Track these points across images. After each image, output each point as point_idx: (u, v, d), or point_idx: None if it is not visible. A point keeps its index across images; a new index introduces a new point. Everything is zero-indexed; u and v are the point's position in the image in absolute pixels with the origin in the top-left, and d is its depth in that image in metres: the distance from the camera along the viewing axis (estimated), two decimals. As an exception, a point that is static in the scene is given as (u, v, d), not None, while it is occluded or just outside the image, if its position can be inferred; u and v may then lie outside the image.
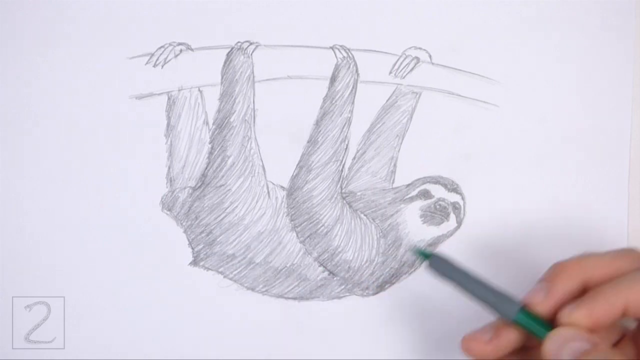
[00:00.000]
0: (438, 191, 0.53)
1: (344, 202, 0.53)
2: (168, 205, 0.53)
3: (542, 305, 0.44)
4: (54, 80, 0.52)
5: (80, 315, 0.53)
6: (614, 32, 0.54)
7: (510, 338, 0.44)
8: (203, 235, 0.53)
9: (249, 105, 0.52)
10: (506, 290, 0.44)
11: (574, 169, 0.54)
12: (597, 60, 0.54)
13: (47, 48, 0.52)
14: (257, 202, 0.53)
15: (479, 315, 0.52)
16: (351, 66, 0.53)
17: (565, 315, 0.43)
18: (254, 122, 0.53)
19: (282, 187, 0.53)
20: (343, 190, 0.53)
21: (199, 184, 0.53)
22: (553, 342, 0.43)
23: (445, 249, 0.53)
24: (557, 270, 0.45)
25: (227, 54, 0.52)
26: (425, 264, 0.46)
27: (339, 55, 0.53)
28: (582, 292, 0.44)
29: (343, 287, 0.53)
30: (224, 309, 0.53)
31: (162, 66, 0.52)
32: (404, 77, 0.53)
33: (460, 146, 0.53)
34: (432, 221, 0.53)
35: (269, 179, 0.53)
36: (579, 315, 0.42)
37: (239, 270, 0.53)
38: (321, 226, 0.53)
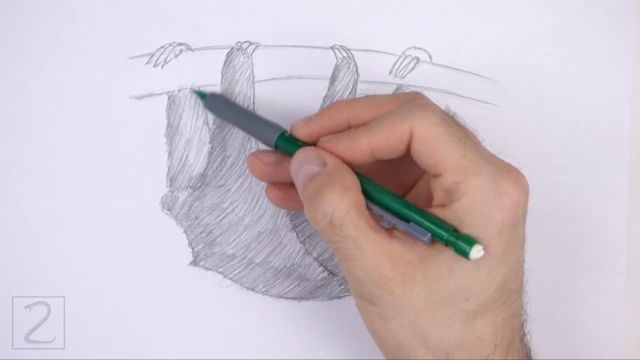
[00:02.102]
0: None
1: (344, 202, 0.53)
2: (168, 205, 0.53)
3: (301, 131, 0.46)
4: (54, 80, 0.52)
5: (80, 315, 0.53)
6: (614, 32, 0.54)
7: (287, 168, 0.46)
8: (203, 235, 0.53)
9: (249, 105, 0.52)
10: (275, 121, 0.48)
11: (574, 169, 0.54)
12: (597, 59, 0.54)
13: (47, 48, 0.52)
14: (257, 202, 0.53)
15: (479, 315, 0.52)
16: (351, 66, 0.53)
17: (319, 145, 0.45)
18: (254, 122, 0.53)
19: (282, 187, 0.53)
20: (343, 190, 0.53)
21: (199, 184, 0.53)
22: (294, 162, 0.45)
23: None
24: (327, 106, 0.48)
25: (227, 54, 0.52)
26: (202, 103, 0.51)
27: (339, 55, 0.53)
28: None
29: (343, 287, 0.53)
30: (224, 309, 0.53)
31: (162, 66, 0.52)
32: (404, 77, 0.53)
33: (460, 146, 0.53)
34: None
35: (269, 179, 0.53)
36: (326, 146, 0.44)
37: (239, 270, 0.53)
38: (321, 226, 0.53)
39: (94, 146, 0.52)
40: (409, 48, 0.53)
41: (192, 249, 0.53)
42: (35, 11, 0.52)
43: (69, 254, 0.52)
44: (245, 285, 0.53)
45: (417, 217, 0.42)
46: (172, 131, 0.53)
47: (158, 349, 0.53)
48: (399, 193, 0.47)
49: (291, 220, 0.53)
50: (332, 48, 0.53)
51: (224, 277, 0.53)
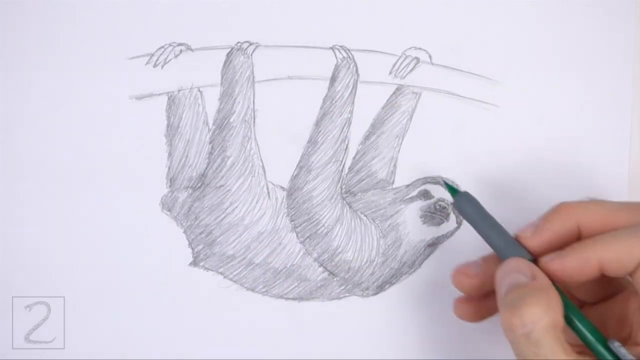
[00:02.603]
0: (438, 191, 0.53)
1: (344, 202, 0.53)
2: (168, 205, 0.53)
3: (530, 240, 0.44)
4: (54, 80, 0.52)
5: (80, 315, 0.53)
6: (614, 32, 0.54)
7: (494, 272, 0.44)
8: (203, 235, 0.53)
9: (248, 106, 0.52)
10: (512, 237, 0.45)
11: (574, 169, 0.54)
12: (597, 60, 0.54)
13: (47, 48, 0.52)
14: (257, 202, 0.53)
15: (479, 316, 0.52)
16: (351, 66, 0.53)
17: (542, 263, 0.43)
18: (254, 122, 0.53)
19: (282, 187, 0.53)
20: (343, 191, 0.53)
21: (199, 185, 0.53)
22: (500, 270, 0.43)
23: (445, 249, 0.53)
24: (553, 209, 0.45)
25: (227, 54, 0.52)
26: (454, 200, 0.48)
27: (339, 56, 0.53)
28: (579, 235, 0.44)
29: (343, 287, 0.53)
30: (224, 309, 0.53)
31: (162, 66, 0.52)
32: (404, 78, 0.53)
33: (460, 146, 0.53)
34: (432, 221, 0.53)
35: (269, 179, 0.53)
36: (552, 266, 0.43)
37: (239, 270, 0.53)
38: (321, 226, 0.53)
39: (94, 146, 0.52)
40: (409, 48, 0.53)
41: (192, 249, 0.53)
42: (35, 11, 0.52)
43: (69, 254, 0.52)
44: (245, 285, 0.53)
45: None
46: (172, 131, 0.53)
47: (158, 349, 0.53)
48: (591, 300, 0.46)
49: (291, 221, 0.53)
50: (332, 48, 0.53)
51: (224, 277, 0.53)
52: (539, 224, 0.45)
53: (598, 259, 0.42)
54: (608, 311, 0.46)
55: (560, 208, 0.45)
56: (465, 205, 0.48)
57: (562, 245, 0.44)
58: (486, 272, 0.46)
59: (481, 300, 0.47)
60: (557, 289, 0.42)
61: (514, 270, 0.43)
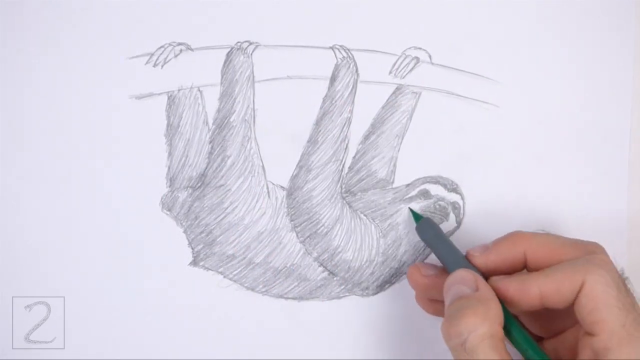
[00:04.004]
0: (437, 191, 0.53)
1: (344, 202, 0.53)
2: (168, 205, 0.53)
3: (478, 259, 0.47)
4: (54, 80, 0.52)
5: (80, 315, 0.53)
6: (614, 32, 0.54)
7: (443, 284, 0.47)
8: (203, 235, 0.53)
9: (248, 105, 0.52)
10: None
11: (574, 169, 0.54)
12: (597, 60, 0.54)
13: (47, 48, 0.52)
14: (257, 202, 0.53)
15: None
16: (351, 66, 0.53)
17: (489, 282, 0.46)
18: (254, 122, 0.53)
19: (282, 187, 0.53)
20: (343, 190, 0.53)
21: (198, 184, 0.53)
22: (447, 281, 0.46)
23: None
24: (505, 236, 0.48)
25: (227, 54, 0.52)
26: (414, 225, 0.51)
27: (339, 55, 0.53)
28: (525, 264, 0.47)
29: (343, 287, 0.53)
30: (224, 309, 0.53)
31: (162, 66, 0.52)
32: (403, 77, 0.53)
33: (460, 146, 0.53)
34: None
35: (268, 179, 0.53)
36: (497, 286, 0.45)
37: (238, 270, 0.53)
38: (321, 226, 0.53)
39: (94, 146, 0.52)
40: (409, 48, 0.53)
41: (192, 249, 0.53)
42: (35, 11, 0.52)
43: (69, 254, 0.52)
44: (245, 285, 0.53)
45: None
46: (172, 131, 0.53)
47: (158, 349, 0.53)
48: (545, 335, 0.48)
49: (291, 221, 0.53)
50: (332, 48, 0.53)
51: (224, 277, 0.53)
52: (489, 245, 0.48)
53: (539, 289, 0.44)
54: (561, 343, 0.48)
55: (511, 235, 0.48)
56: (425, 229, 0.50)
57: (507, 270, 0.47)
58: (436, 279, 0.49)
59: (436, 302, 0.50)
60: (503, 307, 0.44)
61: (459, 281, 0.45)
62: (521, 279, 0.45)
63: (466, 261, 0.48)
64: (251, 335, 0.53)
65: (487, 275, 0.46)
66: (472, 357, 0.42)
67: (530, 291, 0.44)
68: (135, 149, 0.52)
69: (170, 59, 0.52)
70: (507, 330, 0.44)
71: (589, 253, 0.45)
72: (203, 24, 0.52)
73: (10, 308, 0.53)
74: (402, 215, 0.53)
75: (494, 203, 0.53)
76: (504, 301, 0.45)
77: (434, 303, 0.50)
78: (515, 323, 0.45)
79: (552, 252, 0.46)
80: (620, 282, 0.44)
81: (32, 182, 0.52)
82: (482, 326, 0.42)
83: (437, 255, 0.49)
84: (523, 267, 0.47)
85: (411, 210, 0.52)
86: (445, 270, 0.49)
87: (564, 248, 0.46)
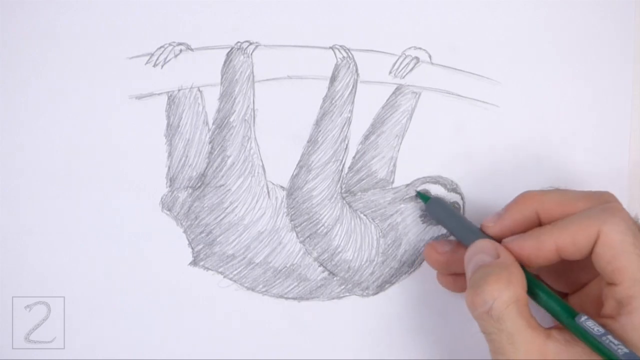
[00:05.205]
0: (438, 191, 0.53)
1: (344, 202, 0.53)
2: (168, 205, 0.53)
3: (493, 229, 0.47)
4: (54, 80, 0.52)
5: (80, 315, 0.53)
6: (614, 32, 0.54)
7: (462, 257, 0.47)
8: (203, 235, 0.53)
9: (248, 105, 0.52)
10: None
11: (574, 169, 0.54)
12: (597, 60, 0.54)
13: (47, 48, 0.52)
14: (257, 202, 0.53)
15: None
16: (351, 66, 0.53)
17: (503, 244, 0.45)
18: (254, 122, 0.53)
19: (282, 187, 0.53)
20: (343, 190, 0.53)
21: (198, 184, 0.53)
22: (467, 253, 0.46)
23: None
24: (515, 198, 0.47)
25: (227, 54, 0.52)
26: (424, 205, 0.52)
27: (339, 55, 0.53)
28: (540, 222, 0.46)
29: (343, 287, 0.53)
30: (224, 309, 0.53)
31: (162, 66, 0.52)
32: (403, 77, 0.53)
33: (460, 146, 0.53)
34: (432, 221, 0.53)
35: (268, 179, 0.53)
36: (511, 247, 0.45)
37: (238, 270, 0.53)
38: (321, 226, 0.53)
39: (94, 146, 0.52)
40: (409, 48, 0.53)
41: (192, 249, 0.53)
42: (35, 11, 0.52)
43: (69, 254, 0.52)
44: (245, 285, 0.53)
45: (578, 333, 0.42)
46: (172, 131, 0.53)
47: (158, 349, 0.53)
48: (568, 290, 0.48)
49: (291, 220, 0.53)
50: (332, 48, 0.53)
51: (224, 277, 0.53)
52: (501, 212, 0.47)
53: (555, 242, 0.44)
54: (585, 296, 0.47)
55: (521, 197, 0.47)
56: (435, 209, 0.51)
57: (523, 232, 0.46)
58: (453, 255, 0.49)
59: (457, 277, 0.50)
60: (524, 269, 0.44)
61: (479, 251, 0.45)
62: (535, 234, 0.44)
63: (481, 233, 0.47)
64: (251, 335, 0.53)
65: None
66: (498, 324, 0.41)
67: (545, 246, 0.44)
68: (135, 149, 0.52)
69: (170, 59, 0.52)
70: (531, 292, 0.44)
71: (602, 202, 0.45)
72: (203, 24, 0.52)
73: (10, 308, 0.53)
74: (402, 215, 0.53)
75: (494, 203, 0.53)
76: (520, 261, 0.44)
77: (456, 279, 0.50)
78: (537, 282, 0.44)
79: (565, 206, 0.45)
80: (636, 228, 0.43)
81: (32, 182, 0.52)
82: (507, 291, 0.42)
83: (451, 232, 0.50)
84: (538, 226, 0.46)
85: (418, 192, 0.52)
86: (460, 244, 0.49)
87: (577, 200, 0.45)
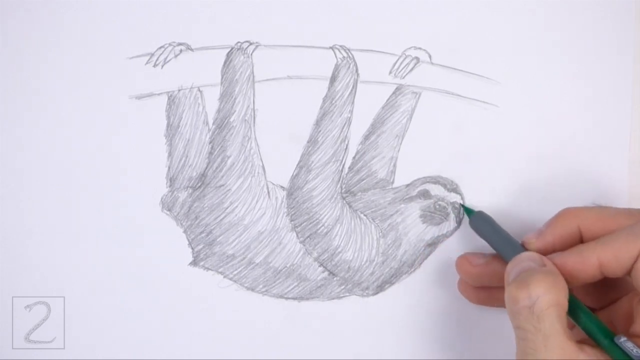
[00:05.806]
0: (437, 191, 0.53)
1: (344, 202, 0.53)
2: (168, 205, 0.53)
3: (535, 245, 0.47)
4: (54, 80, 0.52)
5: (80, 315, 0.53)
6: (614, 32, 0.54)
7: (496, 270, 0.48)
8: (203, 235, 0.53)
9: (249, 105, 0.52)
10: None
11: (574, 169, 0.54)
12: (597, 60, 0.54)
13: (47, 48, 0.52)
14: (257, 202, 0.53)
15: (479, 316, 0.53)
16: (351, 66, 0.53)
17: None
18: (254, 122, 0.53)
19: (282, 187, 0.53)
20: (343, 190, 0.53)
21: (198, 184, 0.53)
22: (512, 261, 0.46)
23: (445, 249, 0.53)
24: (557, 214, 0.48)
25: (227, 54, 0.52)
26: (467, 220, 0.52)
27: (339, 55, 0.53)
28: (581, 239, 0.47)
29: (343, 287, 0.53)
30: (224, 309, 0.53)
31: (162, 66, 0.52)
32: (403, 77, 0.53)
33: (460, 146, 0.53)
34: (432, 221, 0.53)
35: (269, 179, 0.53)
36: (555, 262, 0.45)
37: (238, 270, 0.53)
38: (321, 226, 0.53)
39: (94, 146, 0.52)
40: (409, 48, 0.53)
41: (192, 249, 0.53)
42: (35, 11, 0.52)
43: (69, 254, 0.52)
44: (245, 285, 0.53)
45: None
46: (172, 131, 0.53)
47: (158, 349, 0.53)
48: (598, 306, 0.48)
49: (291, 221, 0.53)
50: (332, 48, 0.53)
51: (224, 277, 0.53)
52: (542, 229, 0.48)
53: (598, 258, 0.44)
54: (614, 312, 0.47)
55: (562, 213, 0.48)
56: (479, 222, 0.51)
57: (565, 248, 0.46)
58: (487, 267, 0.49)
59: (477, 290, 0.50)
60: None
61: (525, 259, 0.45)
62: (578, 250, 0.45)
63: (522, 248, 0.48)
64: (251, 335, 0.53)
65: None
66: (537, 323, 0.42)
67: (588, 262, 0.44)
68: (135, 149, 0.52)
69: (170, 59, 0.52)
70: (569, 308, 0.44)
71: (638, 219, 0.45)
72: (203, 24, 0.52)
73: (10, 308, 0.53)
74: (402, 216, 0.53)
75: (494, 203, 0.53)
76: (563, 276, 0.44)
77: (478, 291, 0.50)
78: (576, 300, 0.45)
79: (607, 222, 0.46)
80: None
81: (32, 182, 0.52)
82: (551, 293, 0.42)
83: (493, 246, 0.50)
84: (579, 243, 0.47)
85: (463, 205, 0.52)
86: (494, 257, 0.49)
87: (618, 217, 0.46)
